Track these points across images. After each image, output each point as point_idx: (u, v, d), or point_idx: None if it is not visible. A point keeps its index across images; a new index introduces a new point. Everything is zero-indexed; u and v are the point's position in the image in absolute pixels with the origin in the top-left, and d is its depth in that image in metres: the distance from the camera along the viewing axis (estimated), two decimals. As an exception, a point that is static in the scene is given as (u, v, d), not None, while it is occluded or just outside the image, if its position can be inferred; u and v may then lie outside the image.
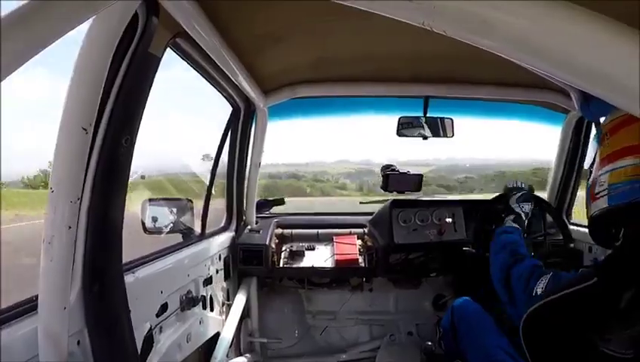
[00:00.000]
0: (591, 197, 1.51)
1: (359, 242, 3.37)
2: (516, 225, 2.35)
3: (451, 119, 3.08)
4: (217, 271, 2.74)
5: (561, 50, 0.65)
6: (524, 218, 2.45)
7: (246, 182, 3.21)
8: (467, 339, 2.27)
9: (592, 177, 1.52)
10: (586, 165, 1.59)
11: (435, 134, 3.05)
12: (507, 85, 2.85)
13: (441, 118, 3.05)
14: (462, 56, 2.30)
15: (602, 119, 1.58)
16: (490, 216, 2.77)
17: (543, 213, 3.05)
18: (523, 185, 2.65)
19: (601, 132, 1.53)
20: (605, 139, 1.47)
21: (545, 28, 0.65)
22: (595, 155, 1.52)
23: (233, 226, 3.18)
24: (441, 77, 2.79)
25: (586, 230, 1.63)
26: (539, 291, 1.55)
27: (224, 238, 2.97)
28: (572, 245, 2.90)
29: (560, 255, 2.80)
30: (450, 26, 0.71)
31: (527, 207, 2.49)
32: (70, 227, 1.16)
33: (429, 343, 2.76)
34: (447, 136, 3.07)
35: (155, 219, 2.20)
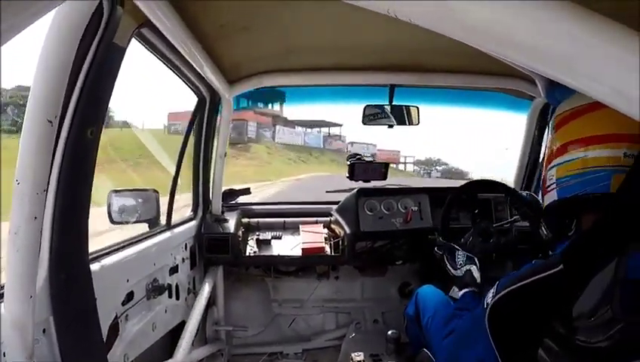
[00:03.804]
0: (543, 190, 1.58)
1: (325, 230, 3.40)
2: (465, 291, 2.26)
3: (417, 107, 3.10)
4: (183, 260, 2.75)
5: (526, 37, 0.65)
6: (475, 268, 2.34)
7: (212, 171, 3.21)
8: (431, 327, 2.30)
9: (544, 170, 1.59)
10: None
11: (401, 122, 3.08)
12: (473, 73, 2.88)
13: (406, 107, 3.07)
14: (427, 44, 2.33)
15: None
16: (456, 204, 2.82)
17: (510, 200, 3.13)
18: (439, 246, 2.60)
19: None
20: (552, 134, 1.54)
21: (510, 15, 0.65)
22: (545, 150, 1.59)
23: (199, 215, 3.18)
24: (406, 65, 2.79)
25: None
26: (489, 301, 1.56)
27: (190, 227, 2.98)
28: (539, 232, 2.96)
29: (527, 242, 2.86)
30: (414, 14, 0.71)
31: (473, 264, 2.36)
32: (36, 218, 1.17)
33: (391, 332, 2.80)
34: (412, 124, 3.09)
35: (121, 210, 2.20)
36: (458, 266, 2.39)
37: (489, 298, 1.57)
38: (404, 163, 55.21)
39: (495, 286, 1.58)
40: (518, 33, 0.65)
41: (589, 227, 1.46)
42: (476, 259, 2.35)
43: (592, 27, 0.62)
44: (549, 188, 1.52)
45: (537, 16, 0.64)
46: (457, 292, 2.31)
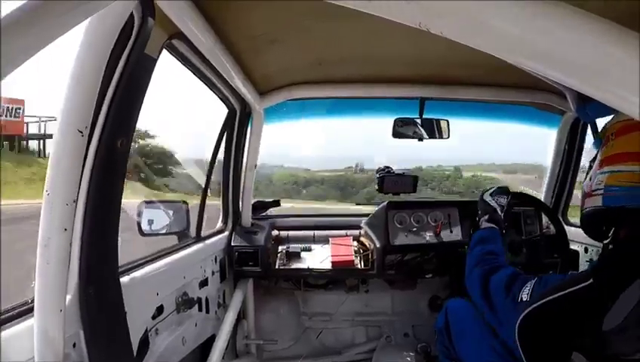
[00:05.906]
0: (587, 192, 1.54)
1: (355, 243, 3.37)
2: (492, 225, 2.34)
3: (447, 120, 3.09)
4: (213, 273, 2.74)
5: (558, 51, 0.64)
6: (499, 212, 2.43)
7: (242, 183, 3.20)
8: (461, 340, 2.27)
9: (590, 172, 1.54)
10: (585, 161, 1.61)
11: (431, 135, 3.07)
12: (503, 86, 2.87)
13: (436, 120, 3.06)
14: (458, 58, 2.31)
15: (610, 117, 1.59)
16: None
17: (539, 214, 3.06)
18: (498, 186, 2.64)
19: (605, 130, 1.55)
20: (610, 138, 1.49)
21: (541, 29, 0.64)
22: (597, 152, 1.54)
23: (229, 228, 3.17)
24: (437, 78, 2.79)
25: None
26: (524, 297, 1.55)
27: (220, 240, 2.97)
28: (568, 246, 2.92)
29: (556, 256, 2.80)
30: (446, 27, 0.71)
31: (503, 200, 2.47)
32: (66, 229, 1.16)
33: (421, 345, 2.76)
34: (442, 138, 3.08)
35: (150, 222, 2.20)
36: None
37: (525, 294, 1.56)
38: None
39: (532, 283, 1.58)
40: (548, 46, 0.65)
41: (623, 239, 1.45)
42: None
43: (626, 45, 0.61)
44: (594, 192, 1.50)
45: (567, 29, 0.63)
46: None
